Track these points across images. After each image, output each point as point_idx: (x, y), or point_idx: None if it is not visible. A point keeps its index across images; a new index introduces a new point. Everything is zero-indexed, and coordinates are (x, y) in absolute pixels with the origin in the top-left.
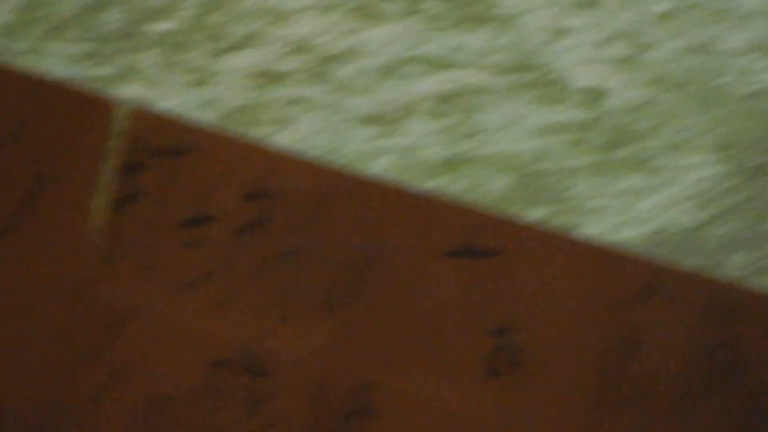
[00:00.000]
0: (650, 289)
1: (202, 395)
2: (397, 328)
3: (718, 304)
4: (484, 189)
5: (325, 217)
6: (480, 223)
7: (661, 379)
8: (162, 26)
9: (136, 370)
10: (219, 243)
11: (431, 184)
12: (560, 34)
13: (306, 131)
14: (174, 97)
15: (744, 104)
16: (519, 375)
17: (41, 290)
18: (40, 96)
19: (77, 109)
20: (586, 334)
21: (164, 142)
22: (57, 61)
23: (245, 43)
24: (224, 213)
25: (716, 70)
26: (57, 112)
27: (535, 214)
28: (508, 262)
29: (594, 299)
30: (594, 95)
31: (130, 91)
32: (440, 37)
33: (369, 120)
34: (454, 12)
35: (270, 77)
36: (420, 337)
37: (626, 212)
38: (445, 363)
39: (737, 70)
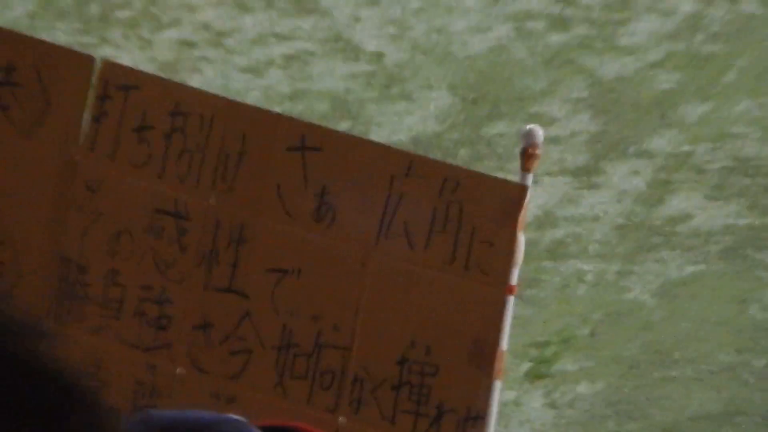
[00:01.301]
0: (410, 169)
1: (148, 230)
2: (259, 192)
3: (450, 179)
4: (313, 110)
5: (217, 126)
6: (310, 130)
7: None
8: (123, 13)
9: (107, 214)
10: (155, 141)
11: (281, 108)
12: (357, 20)
13: (208, 76)
14: (129, 57)
15: (464, 62)
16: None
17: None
18: (52, 54)
19: (73, 62)
20: (375, 194)
21: (122, 81)
22: (61, 34)
23: (172, 24)
24: (157, 123)
25: (450, 43)
26: (61, 63)
27: (342, 126)
28: (327, 154)
29: (379, 174)
30: (378, 56)
31: (103, 53)
32: (286, 20)
33: (245, 70)
34: (294, 5)
35: (187, 44)
36: (273, 196)
37: (397, 125)
38: (290, 212)
39: (461, 42)
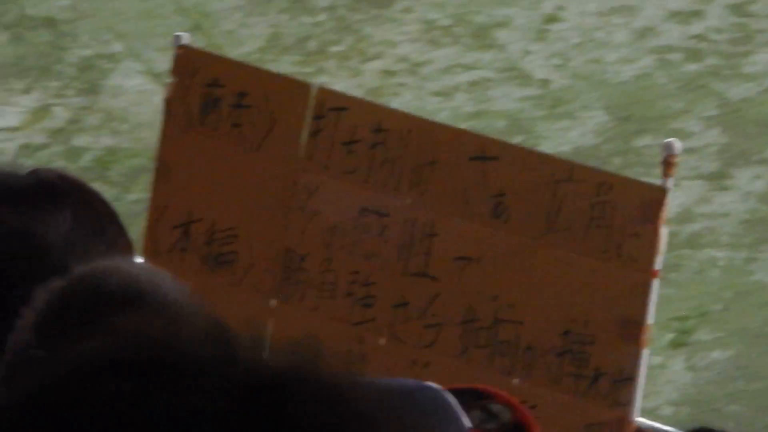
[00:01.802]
0: (571, 174)
1: (356, 225)
2: (447, 194)
3: (604, 183)
4: (492, 127)
5: (412, 140)
6: (489, 142)
7: None
8: (336, 48)
9: (322, 213)
10: (361, 153)
11: (466, 124)
12: (528, 53)
13: (406, 99)
14: (341, 83)
15: (616, 87)
16: None
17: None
18: (277, 81)
19: (294, 88)
20: (542, 195)
21: (334, 103)
22: (286, 65)
23: (377, 56)
24: (363, 137)
25: (604, 72)
26: (285, 89)
27: (516, 140)
28: (503, 162)
29: (545, 178)
30: (545, 82)
31: (320, 80)
32: (470, 53)
33: (436, 94)
34: (476, 41)
35: (388, 73)
36: (458, 197)
37: (561, 139)
38: (473, 210)
39: (613, 71)
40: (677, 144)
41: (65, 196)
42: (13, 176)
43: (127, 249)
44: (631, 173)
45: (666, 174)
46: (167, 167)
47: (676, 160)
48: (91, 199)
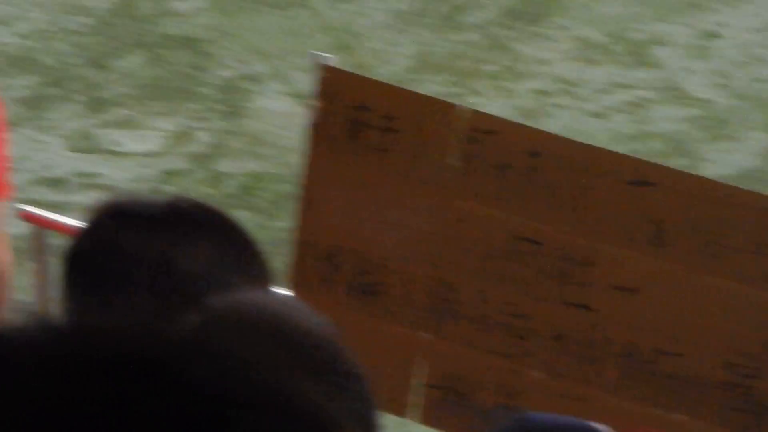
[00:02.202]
0: (732, 200)
1: (509, 254)
2: (604, 220)
3: (765, 209)
4: (651, 149)
5: (567, 165)
6: (646, 167)
7: None
8: (489, 68)
9: (475, 241)
10: (514, 178)
11: (625, 147)
12: (688, 71)
13: (562, 120)
14: (494, 104)
15: None
16: None
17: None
18: (425, 104)
19: (443, 111)
20: (704, 221)
21: (485, 127)
22: (436, 86)
23: (530, 76)
24: (516, 162)
25: None
26: (434, 112)
27: (677, 162)
28: (661, 187)
29: (705, 204)
30: (706, 102)
31: (473, 101)
32: (627, 72)
33: (593, 115)
34: (634, 59)
35: (543, 93)
36: (616, 224)
37: (725, 161)
38: (631, 238)
39: None
40: None
41: (205, 226)
42: (152, 205)
43: (268, 281)
44: None
45: None
46: (313, 195)
47: None
48: (232, 229)
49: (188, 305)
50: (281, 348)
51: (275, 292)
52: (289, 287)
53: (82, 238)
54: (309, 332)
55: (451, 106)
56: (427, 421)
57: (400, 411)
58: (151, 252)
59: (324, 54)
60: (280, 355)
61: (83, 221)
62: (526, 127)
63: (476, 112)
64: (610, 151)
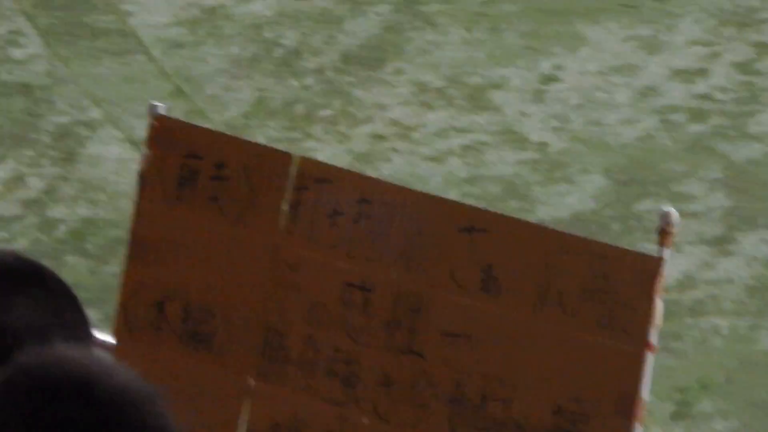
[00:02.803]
0: (563, 246)
1: (339, 301)
2: (434, 267)
3: (597, 254)
4: (487, 192)
5: (398, 212)
6: (477, 214)
7: None
8: (324, 112)
9: (304, 288)
10: (345, 225)
11: (459, 190)
12: (524, 115)
13: (397, 164)
14: (330, 148)
15: (617, 150)
16: None
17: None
18: (256, 151)
19: (274, 159)
20: (534, 268)
21: (317, 175)
22: (271, 131)
23: (366, 120)
24: (347, 209)
25: (605, 134)
26: (264, 160)
27: (512, 205)
28: (492, 234)
29: (536, 251)
30: (542, 145)
31: (308, 145)
32: (464, 116)
33: (429, 159)
34: (470, 103)
35: (379, 137)
36: (446, 270)
37: (560, 204)
38: (461, 285)
39: (614, 133)
40: (674, 214)
41: (22, 278)
42: None
43: (87, 334)
44: (631, 239)
45: (662, 244)
46: (142, 243)
47: (673, 230)
48: (50, 282)
49: (4, 358)
50: (87, 407)
51: (93, 347)
52: (114, 334)
53: None
54: (119, 390)
55: (282, 153)
56: None
57: None
58: None
59: (157, 102)
60: (85, 415)
61: None
62: (357, 174)
63: (307, 160)
64: (440, 198)
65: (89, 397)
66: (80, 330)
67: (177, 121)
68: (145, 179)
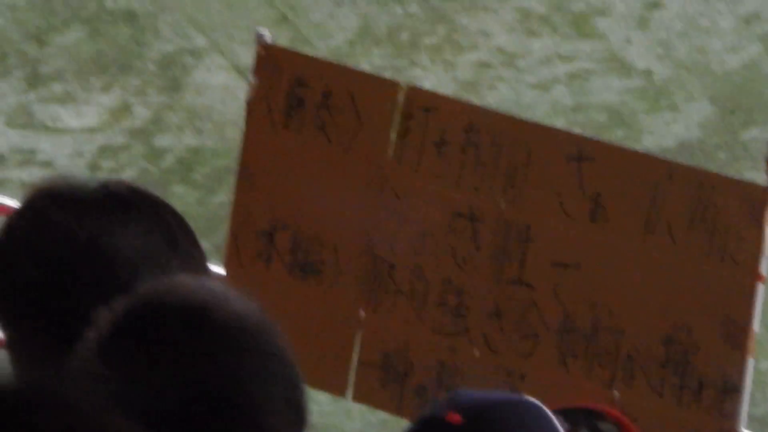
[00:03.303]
0: (671, 174)
1: (447, 231)
2: (542, 197)
3: (705, 183)
4: (592, 120)
5: (505, 141)
6: (584, 142)
7: None
8: (429, 39)
9: (413, 218)
10: (453, 154)
11: (565, 119)
12: (629, 42)
13: (502, 93)
14: (434, 77)
15: (722, 77)
16: None
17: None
18: (363, 80)
19: (381, 87)
20: (641, 196)
21: (423, 103)
22: (376, 59)
23: (471, 48)
24: (454, 138)
25: (709, 61)
26: (371, 88)
27: (617, 134)
28: (599, 163)
29: (644, 179)
30: (647, 73)
31: (413, 74)
32: (568, 44)
33: (534, 87)
34: (575, 30)
35: (484, 65)
36: (554, 200)
37: (665, 132)
38: (569, 214)
39: (718, 60)
40: None
41: (136, 208)
42: (83, 188)
43: (201, 262)
44: (738, 167)
45: None
46: (250, 172)
47: None
48: (163, 211)
49: (122, 286)
50: (204, 334)
51: (207, 275)
52: (225, 266)
53: (14, 219)
54: (235, 318)
55: (388, 82)
56: (359, 398)
57: (341, 390)
58: (80, 233)
59: (262, 29)
60: (202, 342)
61: (19, 200)
62: (463, 102)
63: (413, 88)
64: (547, 126)
65: (206, 325)
66: (196, 260)
67: (283, 50)
68: (252, 108)
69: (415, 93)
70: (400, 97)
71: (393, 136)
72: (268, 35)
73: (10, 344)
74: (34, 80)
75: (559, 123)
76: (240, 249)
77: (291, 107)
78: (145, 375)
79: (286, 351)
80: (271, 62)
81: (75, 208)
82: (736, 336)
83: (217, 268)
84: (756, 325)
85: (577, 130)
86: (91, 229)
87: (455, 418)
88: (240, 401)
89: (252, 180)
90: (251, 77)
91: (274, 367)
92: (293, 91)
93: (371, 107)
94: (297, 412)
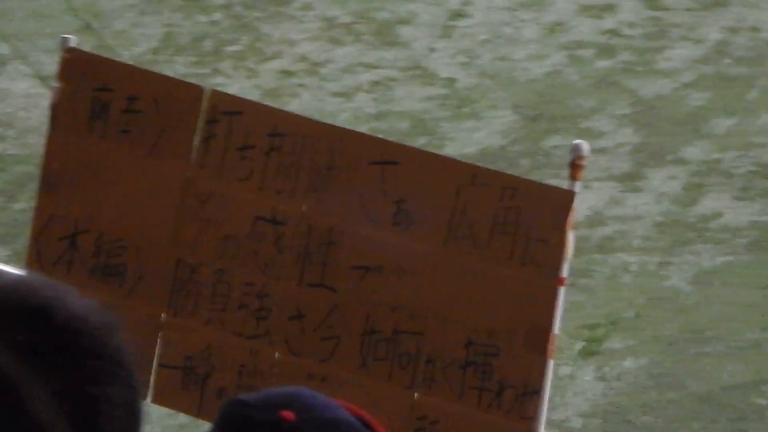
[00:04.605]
0: (474, 178)
1: (250, 234)
2: (345, 200)
3: (508, 187)
4: (395, 128)
5: (309, 145)
6: (387, 146)
7: None
8: (233, 48)
9: (215, 221)
10: (256, 158)
11: (368, 126)
12: (432, 50)
13: (305, 100)
14: (238, 84)
15: (525, 85)
16: None
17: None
18: (167, 85)
19: (185, 92)
20: (444, 201)
21: (227, 107)
22: (179, 66)
23: (275, 56)
24: (258, 142)
25: (513, 69)
26: (175, 93)
27: (420, 141)
28: (402, 167)
29: (447, 183)
30: (450, 81)
31: (216, 81)
32: (372, 52)
33: (337, 94)
34: (378, 39)
35: (287, 73)
36: (357, 203)
37: (468, 140)
38: (371, 218)
39: (521, 68)
40: (585, 146)
41: None
42: None
43: None
44: (540, 175)
45: (573, 177)
46: (53, 176)
47: (584, 162)
48: None
49: None
50: (45, 333)
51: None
52: (27, 269)
53: None
54: (77, 317)
55: (194, 86)
56: (159, 400)
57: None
58: None
59: (67, 36)
60: (42, 341)
61: None
62: (268, 107)
63: (217, 92)
64: (351, 131)
65: (47, 324)
66: None
67: (88, 54)
68: (55, 112)
69: (219, 97)
70: (204, 102)
71: (196, 140)
72: (72, 40)
73: None
74: None
75: (362, 130)
76: (41, 253)
77: (95, 112)
78: None
79: (125, 353)
80: (76, 67)
81: None
82: (538, 339)
83: (19, 273)
84: (556, 328)
85: (380, 137)
86: None
87: (289, 415)
88: (80, 404)
89: (55, 183)
90: (55, 81)
91: (113, 369)
92: (97, 95)
93: (175, 112)
94: (134, 415)
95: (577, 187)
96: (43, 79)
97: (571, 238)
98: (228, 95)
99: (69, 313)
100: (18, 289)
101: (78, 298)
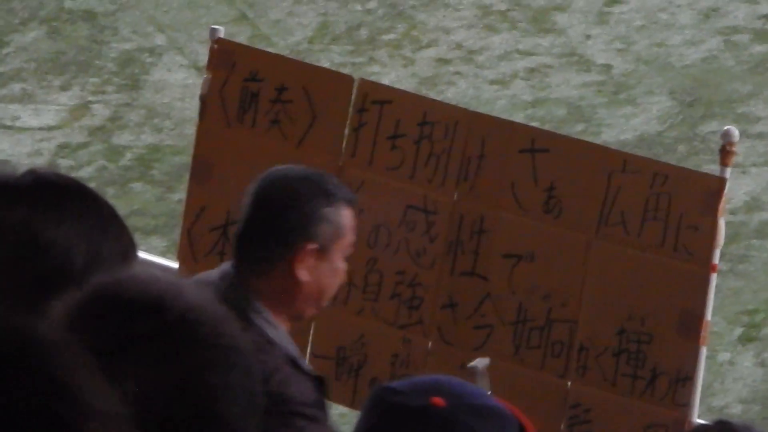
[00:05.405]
0: (625, 166)
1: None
2: (496, 189)
3: (659, 174)
4: (552, 115)
5: (459, 133)
6: (538, 134)
7: None
8: (388, 36)
9: (367, 210)
10: (406, 147)
11: (524, 113)
12: (588, 37)
13: (461, 88)
14: (394, 73)
15: (681, 71)
16: None
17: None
18: (317, 74)
19: (336, 81)
20: (596, 188)
21: (377, 96)
22: (335, 55)
23: (431, 44)
24: (408, 131)
25: (669, 55)
26: (326, 83)
27: (577, 128)
28: (553, 154)
29: (598, 170)
30: (606, 67)
31: (371, 71)
32: (528, 39)
33: (493, 82)
34: (534, 25)
35: (443, 61)
36: (508, 191)
37: (624, 126)
38: (523, 206)
39: (677, 54)
40: (735, 132)
41: (64, 194)
42: (10, 175)
43: (131, 247)
44: (697, 160)
45: (724, 163)
46: (205, 167)
47: (735, 148)
48: (92, 197)
49: (53, 271)
50: (160, 325)
51: (136, 262)
52: (179, 260)
53: None
54: (192, 309)
55: (343, 76)
56: None
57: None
58: (10, 220)
59: (216, 26)
60: (158, 333)
61: None
62: (417, 95)
63: (366, 82)
64: (501, 119)
65: (162, 316)
66: (125, 244)
67: (237, 45)
68: (206, 102)
69: (369, 86)
70: (354, 91)
71: (347, 129)
72: (221, 30)
73: None
74: None
75: (518, 118)
76: (194, 244)
77: (245, 102)
78: (102, 368)
79: (241, 340)
80: (225, 57)
81: (4, 195)
82: (690, 326)
83: (174, 264)
84: (709, 315)
85: (536, 124)
86: (22, 215)
87: (439, 401)
88: (199, 392)
89: (206, 175)
90: (205, 72)
91: (230, 356)
92: (247, 85)
93: (325, 101)
94: (253, 400)
95: (727, 173)
96: (199, 69)
97: (722, 224)
98: (377, 84)
99: (185, 304)
100: (136, 281)
101: (194, 290)
